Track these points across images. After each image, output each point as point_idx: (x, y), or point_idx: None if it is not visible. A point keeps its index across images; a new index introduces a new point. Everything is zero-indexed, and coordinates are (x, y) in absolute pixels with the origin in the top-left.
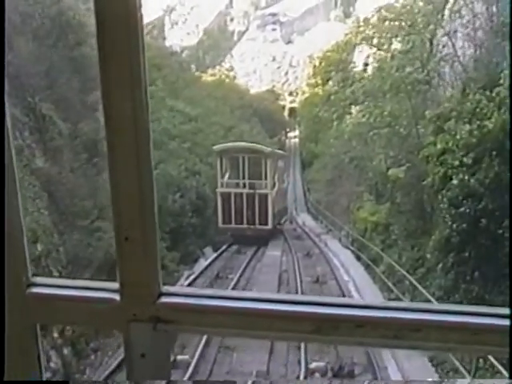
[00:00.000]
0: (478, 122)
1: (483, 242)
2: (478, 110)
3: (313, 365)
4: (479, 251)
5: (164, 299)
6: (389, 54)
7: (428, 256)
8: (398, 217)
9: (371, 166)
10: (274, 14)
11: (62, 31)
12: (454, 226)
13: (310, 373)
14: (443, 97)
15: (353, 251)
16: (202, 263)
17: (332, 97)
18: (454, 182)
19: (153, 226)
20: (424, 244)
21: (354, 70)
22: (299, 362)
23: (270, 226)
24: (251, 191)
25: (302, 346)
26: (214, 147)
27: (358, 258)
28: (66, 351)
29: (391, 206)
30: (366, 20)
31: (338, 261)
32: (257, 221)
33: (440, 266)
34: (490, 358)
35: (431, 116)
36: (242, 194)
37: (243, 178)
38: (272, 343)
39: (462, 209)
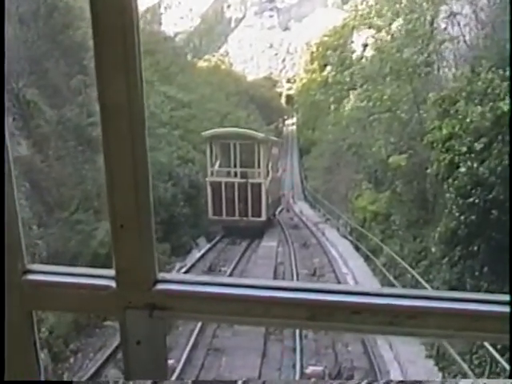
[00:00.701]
0: (491, 104)
1: (493, 234)
2: (489, 90)
3: (309, 369)
4: (489, 245)
5: (160, 286)
6: (389, 37)
7: (432, 249)
8: (398, 206)
9: (370, 152)
10: (271, 1)
11: (49, 14)
12: (462, 217)
13: (305, 378)
14: (447, 79)
15: (351, 241)
16: (195, 254)
17: (329, 81)
18: (462, 169)
19: (148, 213)
20: (427, 235)
21: (353, 53)
22: (294, 367)
23: (263, 218)
24: (243, 180)
25: (298, 348)
26: (203, 133)
27: (357, 249)
28: (41, 355)
29: (391, 195)
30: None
31: (336, 251)
32: (250, 212)
33: (446, 259)
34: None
35: (436, 98)
36: (233, 183)
37: (235, 166)
38: (265, 345)
39: (470, 199)
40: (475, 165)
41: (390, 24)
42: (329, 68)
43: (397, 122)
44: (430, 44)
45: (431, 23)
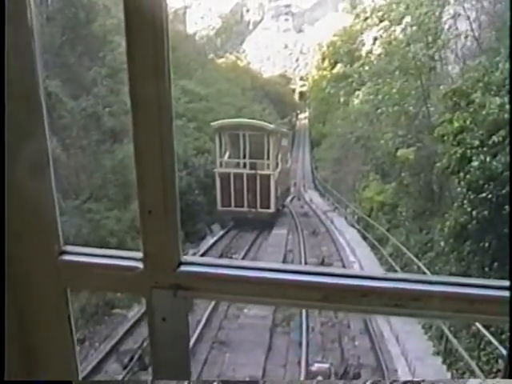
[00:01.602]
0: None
1: (505, 231)
2: (508, 81)
3: (315, 366)
4: (501, 241)
5: (183, 268)
6: (397, 33)
7: (441, 243)
8: (405, 198)
9: (378, 145)
10: (286, 6)
11: (74, 10)
12: (474, 212)
13: (311, 376)
14: (456, 73)
15: (358, 230)
16: (209, 241)
17: (339, 77)
18: (474, 163)
19: (174, 201)
20: (433, 227)
21: (362, 50)
22: (299, 363)
23: (272, 210)
24: (252, 172)
25: (304, 343)
26: (212, 123)
27: (364, 238)
28: None
29: (398, 187)
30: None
31: (344, 240)
32: (258, 204)
33: (454, 253)
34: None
35: (446, 91)
36: (242, 174)
37: (244, 157)
38: (270, 341)
39: (483, 194)
40: (488, 159)
41: (400, 20)
42: (339, 65)
43: (405, 115)
44: (438, 39)
45: (439, 18)
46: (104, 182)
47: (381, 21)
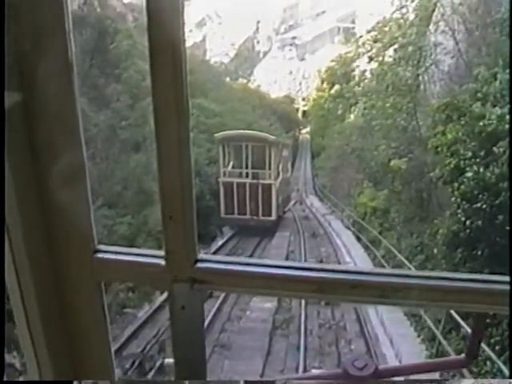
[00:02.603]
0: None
1: (498, 240)
2: (505, 91)
3: (312, 372)
4: (492, 249)
5: (199, 264)
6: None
7: (434, 250)
8: (397, 204)
9: (371, 156)
10: (291, 38)
11: (101, 36)
12: (468, 222)
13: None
14: (440, 90)
15: (353, 232)
16: (219, 242)
17: (336, 97)
18: (468, 174)
19: (191, 207)
20: (422, 232)
21: (356, 70)
22: (297, 369)
23: (273, 217)
24: (254, 181)
25: (302, 347)
26: (216, 135)
27: (359, 239)
28: None
29: (390, 194)
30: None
31: (341, 241)
32: (260, 212)
33: (446, 259)
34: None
35: (439, 105)
36: (245, 183)
37: (246, 167)
38: (269, 345)
39: (477, 204)
40: (481, 169)
41: (392, 41)
42: (336, 86)
43: (396, 128)
44: (422, 62)
45: (428, 37)
46: (118, 190)
47: (375, 41)
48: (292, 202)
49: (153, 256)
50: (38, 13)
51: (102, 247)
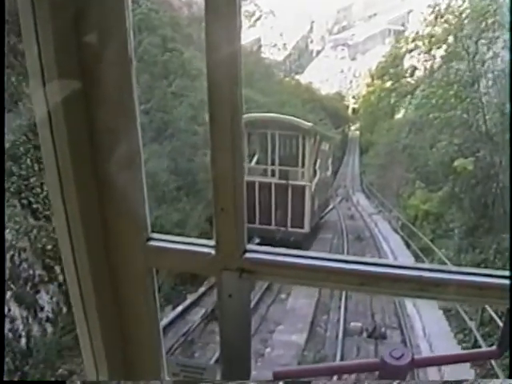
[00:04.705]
0: None
1: None
2: None
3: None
4: None
5: (248, 255)
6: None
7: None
8: (454, 209)
9: (426, 153)
10: (343, 39)
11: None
12: None
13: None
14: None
15: (402, 237)
16: (255, 240)
17: (386, 92)
18: None
19: (241, 199)
20: (487, 246)
21: (407, 66)
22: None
23: (306, 230)
24: (283, 182)
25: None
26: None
27: (408, 245)
28: None
29: (446, 197)
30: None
31: (388, 247)
32: (289, 221)
33: None
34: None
35: None
36: (270, 184)
37: (272, 163)
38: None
39: None
40: None
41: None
42: (387, 83)
43: (459, 123)
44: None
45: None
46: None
47: (431, 36)
48: (338, 199)
49: (203, 245)
50: (103, 11)
51: (155, 235)
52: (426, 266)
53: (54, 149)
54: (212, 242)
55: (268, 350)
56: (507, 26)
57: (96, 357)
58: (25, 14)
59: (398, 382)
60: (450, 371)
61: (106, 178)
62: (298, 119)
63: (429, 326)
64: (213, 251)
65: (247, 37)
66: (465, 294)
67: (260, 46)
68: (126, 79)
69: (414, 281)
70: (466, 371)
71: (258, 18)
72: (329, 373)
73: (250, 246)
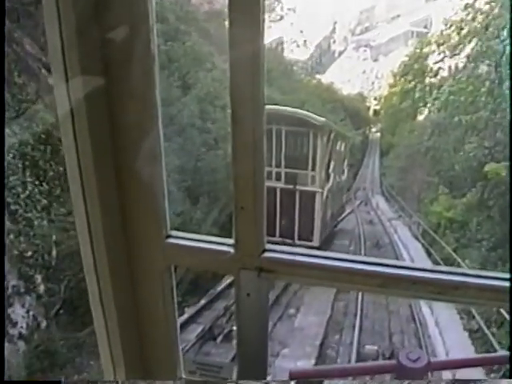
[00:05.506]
0: None
1: None
2: None
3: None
4: None
5: (267, 254)
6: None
7: None
8: (481, 217)
9: (450, 156)
10: (366, 40)
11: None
12: None
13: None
14: None
15: (423, 245)
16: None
17: (409, 93)
18: None
19: (261, 199)
20: None
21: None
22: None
23: (315, 243)
24: (290, 187)
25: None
26: None
27: (429, 254)
28: None
29: (472, 204)
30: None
31: (408, 255)
32: (296, 233)
33: None
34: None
35: None
36: (275, 189)
37: (278, 165)
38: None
39: None
40: None
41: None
42: (410, 84)
43: (489, 124)
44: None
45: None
46: None
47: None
48: (357, 203)
49: (223, 244)
50: (127, 8)
51: (174, 233)
52: (445, 268)
53: (76, 145)
54: (231, 241)
55: (269, 378)
56: None
57: (113, 355)
58: (49, 8)
59: (408, 380)
60: (461, 370)
61: (128, 175)
62: (308, 113)
63: (453, 351)
64: (232, 250)
65: (269, 35)
66: (484, 298)
67: (281, 43)
68: (149, 75)
69: (433, 283)
70: (477, 370)
71: (281, 18)
72: (345, 374)
73: (269, 246)
